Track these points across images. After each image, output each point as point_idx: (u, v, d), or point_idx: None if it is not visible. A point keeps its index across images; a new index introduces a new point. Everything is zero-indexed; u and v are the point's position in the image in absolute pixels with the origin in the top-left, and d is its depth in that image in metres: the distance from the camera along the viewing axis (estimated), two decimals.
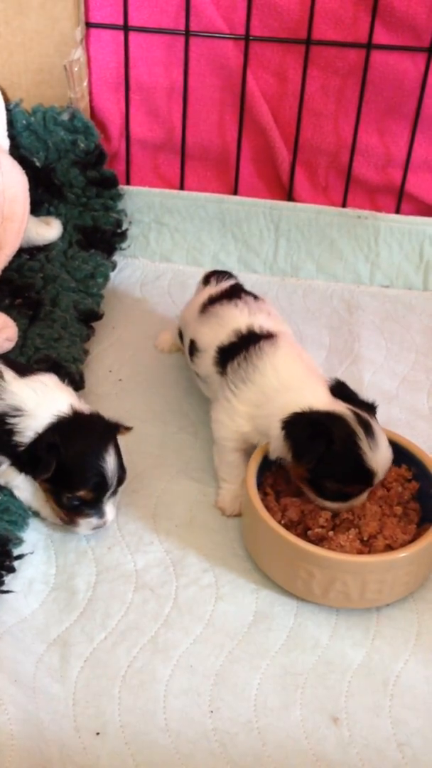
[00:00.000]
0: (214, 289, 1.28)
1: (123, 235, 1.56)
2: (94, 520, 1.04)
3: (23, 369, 1.09)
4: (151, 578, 1.04)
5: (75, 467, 1.01)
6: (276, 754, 0.87)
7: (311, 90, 1.52)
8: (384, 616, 1.02)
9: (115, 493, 1.05)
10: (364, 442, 1.00)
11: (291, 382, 1.08)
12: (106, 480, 1.02)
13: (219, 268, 1.49)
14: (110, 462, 1.02)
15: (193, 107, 1.55)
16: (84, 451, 1.02)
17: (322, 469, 1.02)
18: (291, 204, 1.60)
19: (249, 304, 1.20)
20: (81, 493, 1.02)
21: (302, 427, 1.02)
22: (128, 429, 1.09)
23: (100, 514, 1.04)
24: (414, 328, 1.52)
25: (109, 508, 1.05)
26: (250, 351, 1.12)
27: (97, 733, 0.88)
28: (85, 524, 1.04)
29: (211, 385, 1.18)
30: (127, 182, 1.61)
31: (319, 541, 1.03)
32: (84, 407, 1.07)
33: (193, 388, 1.29)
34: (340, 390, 1.08)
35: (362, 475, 1.01)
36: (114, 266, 1.53)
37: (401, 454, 1.11)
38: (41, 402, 1.03)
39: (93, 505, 1.03)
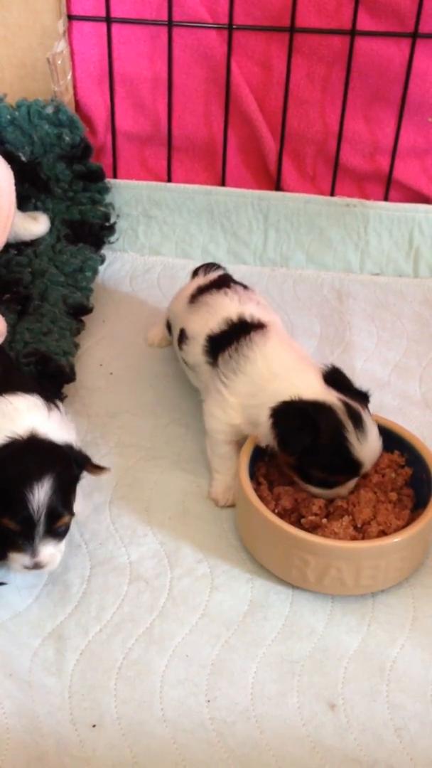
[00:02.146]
0: (202, 279, 1.29)
1: (111, 229, 1.56)
2: (26, 559, 0.94)
3: (10, 383, 1.05)
4: (146, 570, 1.04)
5: (3, 493, 0.94)
6: (274, 741, 0.87)
7: (296, 78, 1.52)
8: (379, 602, 1.02)
9: (53, 533, 0.95)
10: (351, 434, 0.99)
11: (281, 371, 1.07)
12: (31, 513, 0.93)
13: (208, 260, 1.49)
14: (39, 494, 0.93)
15: (178, 99, 1.55)
16: (13, 477, 0.93)
17: (308, 458, 1.02)
18: (279, 194, 1.59)
19: (239, 293, 1.20)
20: (5, 520, 0.93)
21: (289, 417, 1.02)
22: (101, 469, 1.02)
23: (33, 552, 0.94)
24: (405, 315, 1.52)
25: (46, 549, 0.95)
26: (240, 341, 1.11)
27: (94, 726, 0.88)
28: (17, 559, 0.95)
29: (200, 374, 1.18)
30: (114, 175, 1.60)
31: (312, 528, 1.03)
32: (58, 436, 0.99)
33: (183, 381, 1.29)
34: (334, 377, 1.07)
35: (348, 466, 1.01)
36: (103, 260, 1.52)
37: (394, 440, 1.11)
38: None
39: (25, 539, 0.94)
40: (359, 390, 1.08)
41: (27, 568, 0.95)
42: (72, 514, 0.98)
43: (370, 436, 1.01)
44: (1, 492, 0.94)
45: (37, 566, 0.95)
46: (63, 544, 0.98)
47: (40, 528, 0.94)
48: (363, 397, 1.07)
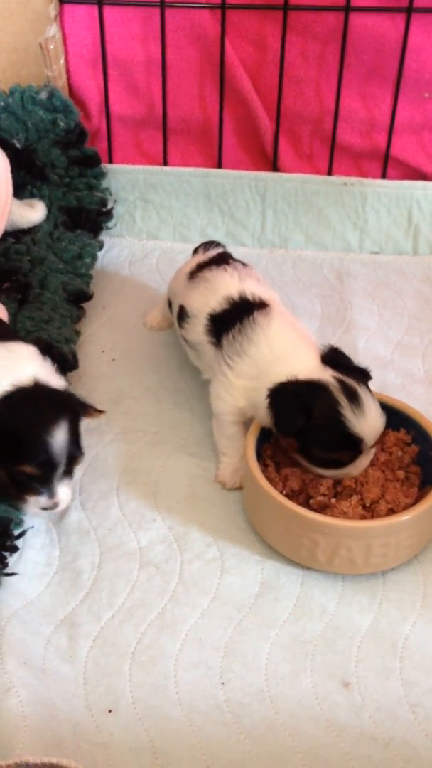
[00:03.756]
0: (202, 256, 1.28)
1: (108, 214, 1.55)
2: (43, 500, 0.98)
3: (5, 335, 1.06)
4: (155, 555, 1.04)
5: (20, 440, 0.96)
6: (289, 721, 0.87)
7: (291, 57, 1.50)
8: (390, 580, 1.02)
9: (68, 473, 1.00)
10: (346, 409, 0.99)
11: (283, 353, 1.07)
12: (53, 456, 0.96)
13: (209, 240, 1.48)
14: (59, 437, 0.96)
15: (172, 80, 1.53)
16: (30, 423, 0.96)
17: (307, 438, 1.02)
18: (276, 174, 1.58)
19: (238, 270, 1.20)
20: (26, 468, 0.96)
21: (282, 397, 1.02)
22: (99, 412, 1.06)
23: (51, 493, 0.98)
24: (406, 293, 1.52)
25: (63, 489, 0.99)
26: (244, 322, 1.11)
27: (110, 711, 0.88)
28: (33, 502, 0.99)
29: (202, 353, 1.17)
30: (110, 160, 1.59)
31: (321, 509, 1.03)
32: (55, 383, 1.02)
33: (186, 364, 1.28)
34: (332, 356, 1.07)
35: (347, 441, 1.00)
36: (101, 246, 1.51)
37: (399, 418, 1.11)
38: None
39: (43, 483, 0.98)
40: (359, 367, 1.07)
41: (45, 509, 1.00)
42: (83, 453, 1.03)
43: (368, 411, 1.01)
44: (16, 439, 0.96)
45: (55, 506, 1.00)
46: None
47: (60, 470, 0.98)
48: (363, 374, 1.06)
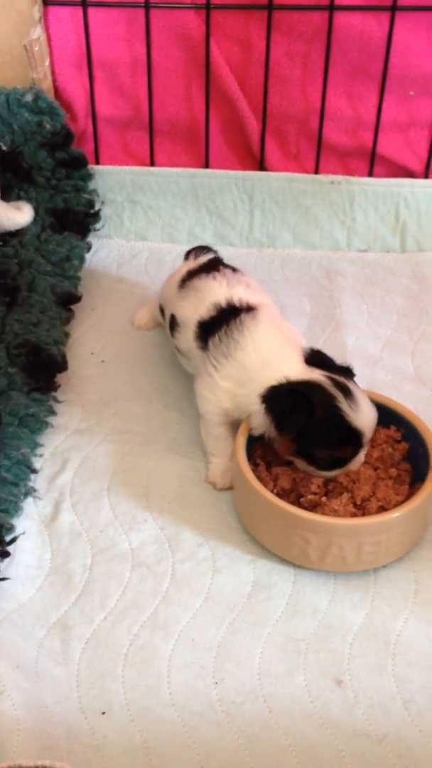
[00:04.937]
0: (192, 263, 1.28)
1: (96, 216, 1.55)
2: None
3: None
4: (147, 556, 1.04)
5: None
6: (283, 720, 0.87)
7: (276, 56, 1.50)
8: (382, 577, 1.02)
9: None
10: (344, 404, 1.00)
11: (269, 357, 1.07)
12: None
13: (195, 243, 1.48)
14: None
15: (158, 81, 1.53)
16: None
17: (308, 438, 1.02)
18: (263, 174, 1.58)
19: (228, 277, 1.20)
20: None
21: (282, 399, 1.02)
22: None
23: None
24: (394, 291, 1.52)
25: None
26: (230, 326, 1.11)
27: (103, 713, 0.88)
28: None
29: (193, 360, 1.17)
30: (97, 162, 1.59)
31: (312, 507, 1.03)
32: None
33: (176, 365, 1.28)
34: (315, 358, 1.08)
35: (349, 437, 1.01)
36: (89, 248, 1.51)
37: (389, 415, 1.11)
38: None
39: None
40: (342, 366, 1.08)
41: None
42: None
43: (362, 405, 1.01)
44: None
45: None
46: None
47: None
48: (347, 372, 1.07)
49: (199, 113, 1.55)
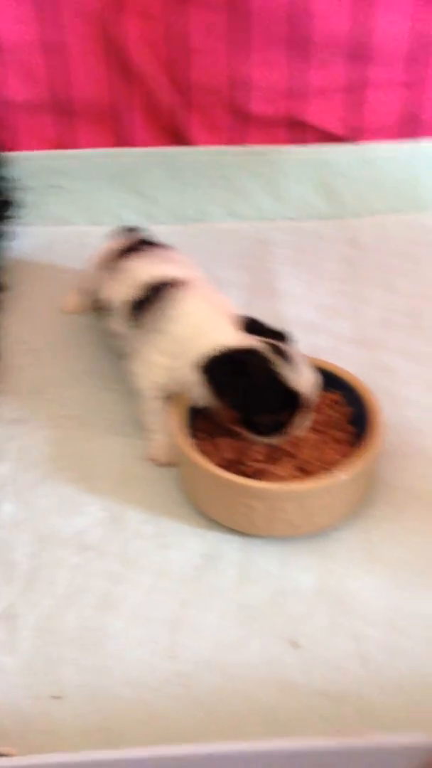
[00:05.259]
0: (118, 243, 1.27)
1: (17, 204, 1.51)
2: None
3: None
4: (93, 538, 1.02)
5: None
6: (240, 686, 0.86)
7: (190, 29, 1.48)
8: (332, 538, 1.01)
9: None
10: (282, 367, 0.99)
11: (201, 327, 1.06)
12: None
13: (122, 224, 1.45)
14: None
15: (72, 62, 1.50)
16: None
17: (249, 405, 1.00)
18: (188, 148, 1.56)
19: (155, 254, 1.19)
20: None
21: (219, 367, 1.01)
22: None
23: None
24: (328, 257, 1.52)
25: None
26: (161, 301, 1.10)
27: (58, 698, 0.86)
28: None
29: (126, 339, 1.16)
30: (13, 148, 1.55)
31: (257, 475, 1.01)
32: None
33: (109, 347, 1.26)
34: (250, 325, 1.07)
35: (289, 399, 1.00)
36: (12, 236, 1.48)
37: (330, 379, 1.11)
38: None
39: None
40: (278, 330, 1.07)
41: None
42: None
43: (301, 368, 1.00)
44: None
45: None
46: None
47: None
48: (283, 336, 1.06)
49: (116, 91, 1.53)
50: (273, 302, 1.41)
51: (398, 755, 0.70)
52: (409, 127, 1.59)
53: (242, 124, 1.57)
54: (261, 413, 1.01)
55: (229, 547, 1.01)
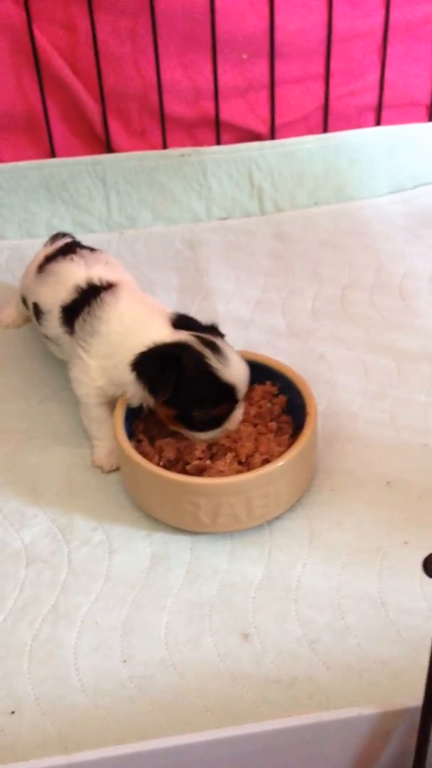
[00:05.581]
0: (48, 249, 1.27)
1: None
2: None
3: None
4: (41, 550, 1.02)
5: None
6: (194, 682, 0.88)
7: (103, 35, 1.49)
8: (276, 528, 1.03)
9: None
10: (213, 360, 1.00)
11: (134, 326, 1.07)
12: None
13: (57, 232, 1.46)
14: None
15: None
16: None
17: (182, 400, 1.02)
18: (112, 156, 1.57)
19: (85, 258, 1.19)
20: None
21: (149, 362, 1.02)
22: None
23: None
24: (258, 253, 1.54)
25: None
26: (92, 304, 1.10)
27: (12, 712, 0.86)
28: None
29: (63, 345, 1.16)
30: None
31: (199, 472, 1.03)
32: None
33: (48, 357, 1.26)
34: (181, 322, 1.08)
35: (223, 392, 1.01)
36: None
37: (264, 371, 1.12)
38: None
39: None
40: (208, 325, 1.09)
41: None
42: None
43: (232, 359, 1.02)
44: None
45: None
46: None
47: None
48: (214, 331, 1.08)
49: (36, 102, 1.53)
50: (205, 301, 1.42)
51: (336, 730, 0.73)
52: (325, 120, 1.62)
53: (163, 128, 1.58)
54: (195, 407, 1.02)
55: (176, 546, 1.02)
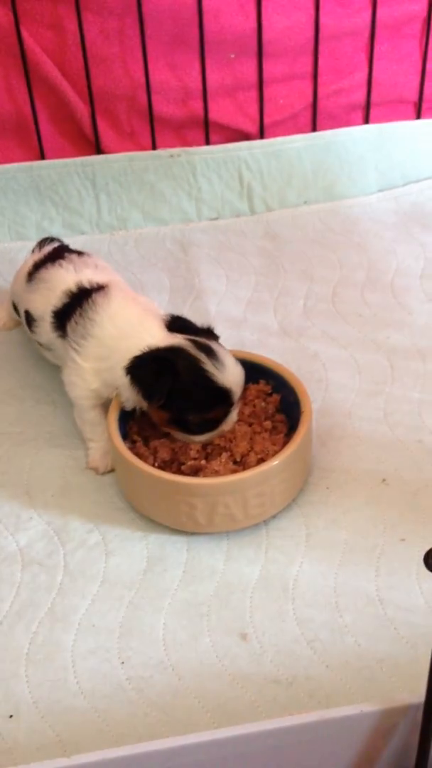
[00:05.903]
0: (37, 255, 1.26)
1: None
2: None
3: None
4: (37, 552, 1.02)
5: None
6: (193, 683, 0.87)
7: (91, 36, 1.49)
8: (273, 527, 1.03)
9: None
10: (208, 364, 1.00)
11: (128, 328, 1.07)
12: None
13: (45, 237, 1.45)
14: None
15: None
16: None
17: (177, 404, 1.01)
18: (102, 157, 1.57)
19: (74, 262, 1.19)
20: None
21: (145, 367, 1.02)
22: None
23: None
24: (249, 253, 1.54)
25: None
26: (84, 307, 1.10)
27: (11, 716, 0.85)
28: None
29: (56, 351, 1.16)
30: None
31: (194, 472, 1.02)
32: None
33: (41, 361, 1.26)
34: (176, 324, 1.08)
35: (218, 396, 1.01)
36: None
37: (257, 370, 1.12)
38: None
39: None
40: (203, 328, 1.08)
41: None
42: None
43: (227, 363, 1.02)
44: None
45: None
46: None
47: None
48: (209, 333, 1.07)
49: (24, 104, 1.52)
50: (197, 301, 1.42)
51: (338, 728, 0.73)
52: (313, 119, 1.62)
53: (152, 128, 1.58)
54: (191, 412, 1.02)
55: (173, 547, 1.02)
